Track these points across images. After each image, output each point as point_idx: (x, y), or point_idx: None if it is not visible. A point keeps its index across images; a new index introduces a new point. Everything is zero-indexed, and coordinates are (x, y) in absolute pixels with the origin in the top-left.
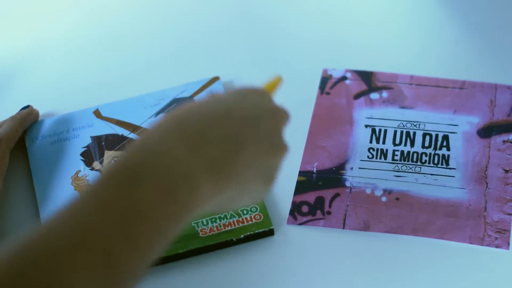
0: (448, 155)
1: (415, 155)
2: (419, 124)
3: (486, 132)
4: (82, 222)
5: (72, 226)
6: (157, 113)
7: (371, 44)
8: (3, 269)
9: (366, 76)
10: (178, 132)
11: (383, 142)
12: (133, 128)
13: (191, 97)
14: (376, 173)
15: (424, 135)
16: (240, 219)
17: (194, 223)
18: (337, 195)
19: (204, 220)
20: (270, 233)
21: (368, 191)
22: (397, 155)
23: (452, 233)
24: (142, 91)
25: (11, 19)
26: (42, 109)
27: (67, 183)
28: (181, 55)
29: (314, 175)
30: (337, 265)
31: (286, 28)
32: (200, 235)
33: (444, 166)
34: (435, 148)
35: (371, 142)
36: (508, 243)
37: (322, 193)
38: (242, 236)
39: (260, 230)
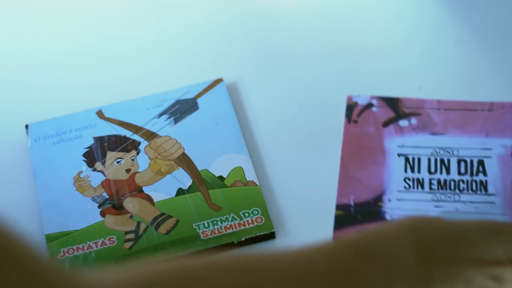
0: (486, 181)
1: (452, 183)
2: (452, 150)
3: None
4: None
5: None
6: (160, 114)
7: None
8: None
9: (392, 103)
10: (415, 239)
11: (418, 171)
12: (135, 129)
13: (194, 98)
14: (415, 204)
15: (459, 161)
16: (242, 222)
17: (195, 225)
18: None
19: (205, 222)
20: (271, 236)
21: None
22: (433, 184)
23: None
24: (145, 92)
25: (11, 17)
26: (45, 109)
27: (69, 184)
28: (184, 56)
29: (352, 208)
30: None
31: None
32: (202, 237)
33: (483, 192)
34: (471, 174)
35: (405, 171)
36: None
37: (362, 227)
38: (243, 239)
39: (261, 233)
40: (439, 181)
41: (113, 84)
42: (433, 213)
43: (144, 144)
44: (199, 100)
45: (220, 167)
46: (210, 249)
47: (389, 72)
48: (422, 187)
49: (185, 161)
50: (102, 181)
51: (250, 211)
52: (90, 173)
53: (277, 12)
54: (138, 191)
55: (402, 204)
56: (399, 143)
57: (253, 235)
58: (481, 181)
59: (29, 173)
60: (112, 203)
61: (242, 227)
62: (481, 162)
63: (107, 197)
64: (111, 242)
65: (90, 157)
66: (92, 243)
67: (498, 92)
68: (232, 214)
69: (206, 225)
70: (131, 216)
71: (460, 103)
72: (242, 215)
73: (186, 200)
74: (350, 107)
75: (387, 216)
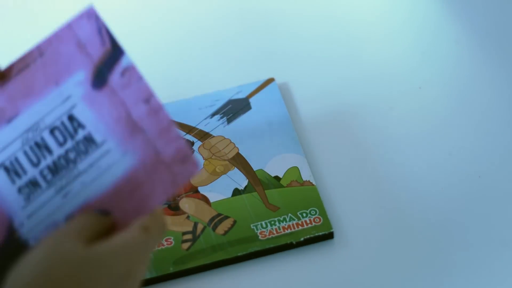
0: (89, 133)
1: (62, 160)
2: (38, 125)
3: (99, 78)
4: None
5: None
6: (213, 114)
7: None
8: None
9: None
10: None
11: (25, 173)
12: (188, 129)
13: (246, 98)
14: (47, 209)
15: (52, 132)
16: (300, 222)
17: (253, 226)
18: None
19: (263, 222)
20: (329, 236)
21: None
22: (47, 175)
23: (149, 201)
24: (197, 92)
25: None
26: None
27: None
28: (236, 56)
29: None
30: (397, 268)
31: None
32: (260, 238)
33: (94, 147)
34: (71, 137)
35: (14, 182)
36: (196, 163)
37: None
38: (302, 239)
39: (320, 233)
40: (49, 168)
41: (165, 84)
42: (69, 205)
43: (197, 144)
44: (251, 100)
45: (275, 167)
46: (269, 249)
47: (389, 72)
48: (39, 186)
49: (240, 161)
50: None
51: (308, 211)
52: None
53: (328, 11)
54: (194, 192)
55: (36, 217)
56: None
57: (312, 235)
58: (85, 137)
59: None
60: (168, 204)
61: (300, 227)
62: (71, 117)
63: None
64: (169, 243)
65: None
66: None
67: (498, 92)
68: (289, 214)
69: (264, 226)
70: (188, 217)
71: (12, 68)
72: (299, 215)
73: (243, 201)
74: None
75: (32, 241)
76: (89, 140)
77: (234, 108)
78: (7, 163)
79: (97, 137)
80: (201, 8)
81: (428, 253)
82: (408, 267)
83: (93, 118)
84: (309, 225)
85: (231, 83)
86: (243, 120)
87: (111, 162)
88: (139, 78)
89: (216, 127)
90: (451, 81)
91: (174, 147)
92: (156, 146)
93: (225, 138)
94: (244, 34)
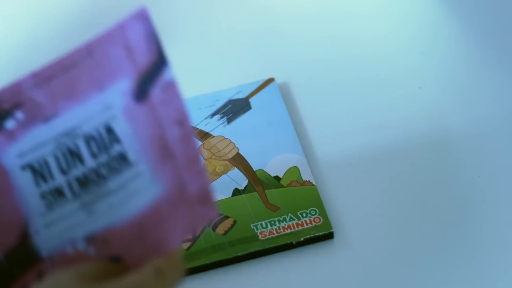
0: (124, 150)
1: (93, 173)
2: (74, 131)
3: (141, 90)
4: None
5: None
6: (213, 114)
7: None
8: None
9: None
10: None
11: (52, 178)
12: None
13: (246, 98)
14: (68, 223)
15: (88, 141)
16: (300, 222)
17: (253, 226)
18: (40, 276)
19: (263, 222)
20: (329, 236)
21: (70, 249)
22: (74, 186)
23: (167, 240)
24: (196, 92)
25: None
26: None
27: None
28: (236, 56)
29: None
30: (398, 268)
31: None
32: (260, 238)
33: (128, 167)
34: (106, 151)
35: (38, 185)
36: (216, 208)
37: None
38: (302, 239)
39: (320, 233)
40: (78, 179)
41: None
42: (90, 224)
43: (197, 144)
44: (251, 100)
45: (275, 167)
46: (269, 249)
47: (388, 72)
48: (64, 195)
49: (240, 161)
50: None
51: (308, 211)
52: None
53: (328, 12)
54: None
55: (55, 228)
56: (17, 152)
57: (311, 235)
58: (120, 154)
59: None
60: None
61: (300, 227)
62: (109, 129)
63: None
64: None
65: None
66: None
67: (498, 91)
68: (289, 214)
69: (264, 226)
70: None
71: (58, 63)
72: (299, 215)
73: (243, 201)
74: None
75: (44, 254)
76: (123, 158)
77: (234, 108)
78: (35, 165)
79: (131, 156)
80: (201, 7)
81: (428, 253)
82: (408, 267)
83: (130, 134)
84: (309, 225)
85: (231, 83)
86: (243, 120)
87: (140, 187)
88: (178, 96)
89: (216, 127)
90: (451, 81)
91: (198, 183)
92: (183, 178)
93: (225, 138)
94: (244, 34)
